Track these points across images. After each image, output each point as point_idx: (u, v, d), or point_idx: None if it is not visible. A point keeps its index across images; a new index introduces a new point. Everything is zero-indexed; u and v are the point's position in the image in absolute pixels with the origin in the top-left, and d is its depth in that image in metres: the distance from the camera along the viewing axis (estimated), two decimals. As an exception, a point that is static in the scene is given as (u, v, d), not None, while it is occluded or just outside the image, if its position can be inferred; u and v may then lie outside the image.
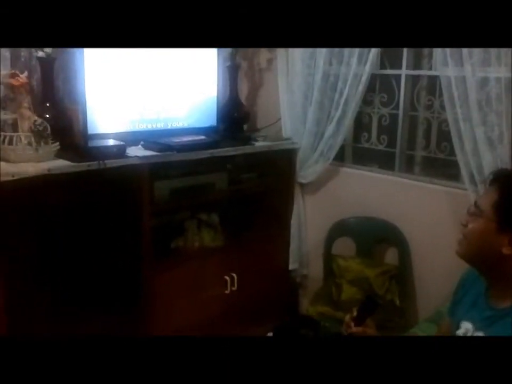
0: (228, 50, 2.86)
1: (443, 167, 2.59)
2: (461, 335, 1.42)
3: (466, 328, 1.41)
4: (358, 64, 2.59)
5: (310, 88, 2.79)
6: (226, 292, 2.66)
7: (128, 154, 2.24)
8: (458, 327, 1.44)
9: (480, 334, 1.35)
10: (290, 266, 2.97)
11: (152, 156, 2.28)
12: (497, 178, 1.37)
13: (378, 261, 2.68)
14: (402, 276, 2.57)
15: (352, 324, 1.49)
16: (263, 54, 3.07)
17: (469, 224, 1.36)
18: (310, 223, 2.99)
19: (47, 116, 2.23)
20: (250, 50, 3.08)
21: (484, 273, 1.40)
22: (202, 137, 2.53)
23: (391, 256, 2.67)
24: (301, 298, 3.10)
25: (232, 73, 2.93)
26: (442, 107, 2.44)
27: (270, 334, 2.84)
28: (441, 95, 2.39)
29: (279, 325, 2.87)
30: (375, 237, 2.68)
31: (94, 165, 2.09)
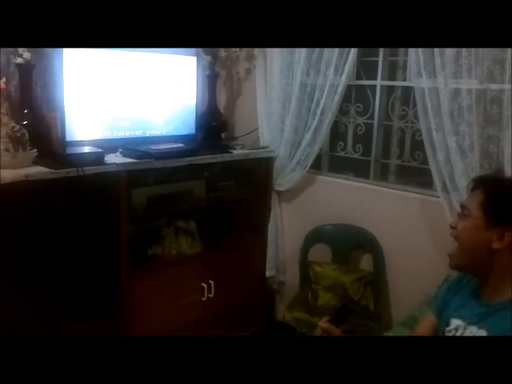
0: (207, 59, 2.90)
1: (416, 175, 2.64)
2: (452, 331, 1.46)
3: (456, 324, 1.45)
4: (334, 74, 2.64)
5: (287, 97, 2.84)
6: (203, 298, 2.66)
7: (106, 161, 2.25)
8: (448, 324, 1.48)
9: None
10: (267, 273, 3.00)
11: (130, 163, 2.29)
12: (481, 182, 1.49)
13: (354, 267, 2.72)
14: (377, 282, 2.62)
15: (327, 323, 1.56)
16: (242, 63, 3.12)
17: (459, 224, 1.45)
18: (286, 230, 3.03)
19: (25, 122, 2.23)
20: (229, 59, 3.12)
21: (475, 272, 1.46)
22: (181, 145, 2.55)
23: (366, 262, 2.72)
24: (277, 305, 3.13)
25: (211, 82, 2.97)
26: (416, 117, 2.50)
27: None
28: (415, 105, 2.46)
29: (255, 333, 2.89)
30: (350, 243, 2.73)
31: (72, 171, 2.09)
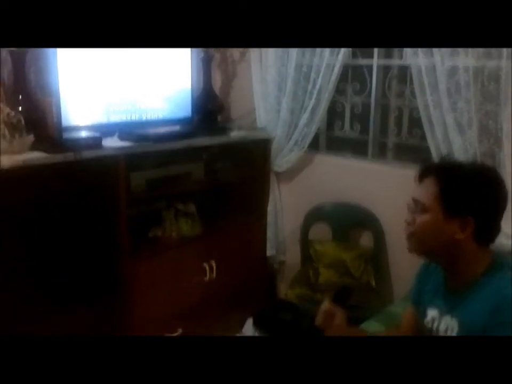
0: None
1: (414, 152, 2.65)
2: (429, 322, 1.45)
3: (432, 315, 1.45)
4: (330, 54, 2.63)
5: (283, 79, 2.83)
6: (205, 279, 2.68)
7: (104, 146, 2.24)
8: (425, 315, 1.48)
9: (448, 318, 1.38)
10: (268, 253, 3.01)
11: (128, 147, 2.29)
12: (429, 171, 1.39)
13: (354, 244, 2.75)
14: (377, 258, 2.65)
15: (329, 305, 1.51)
16: (236, 45, 3.09)
17: (416, 221, 1.37)
18: (286, 210, 3.04)
19: (20, 108, 2.21)
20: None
21: (440, 263, 1.43)
22: (178, 128, 2.54)
23: (366, 240, 2.74)
24: (278, 284, 3.15)
25: (205, 65, 2.94)
26: (413, 95, 2.50)
27: (250, 320, 2.88)
28: (411, 83, 2.45)
29: (259, 310, 2.92)
30: (350, 221, 2.74)
31: (70, 156, 2.09)
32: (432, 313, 1.45)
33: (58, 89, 2.27)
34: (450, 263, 1.39)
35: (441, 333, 1.41)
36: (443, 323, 1.40)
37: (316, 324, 1.52)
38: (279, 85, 2.84)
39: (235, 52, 3.11)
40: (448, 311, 1.39)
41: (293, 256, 2.98)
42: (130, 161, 2.30)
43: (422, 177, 1.40)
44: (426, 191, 1.36)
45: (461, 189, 1.33)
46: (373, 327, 1.96)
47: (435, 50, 2.22)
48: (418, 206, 1.37)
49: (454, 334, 1.37)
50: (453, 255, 1.37)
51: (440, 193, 1.33)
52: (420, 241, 1.39)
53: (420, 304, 1.53)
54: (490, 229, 1.38)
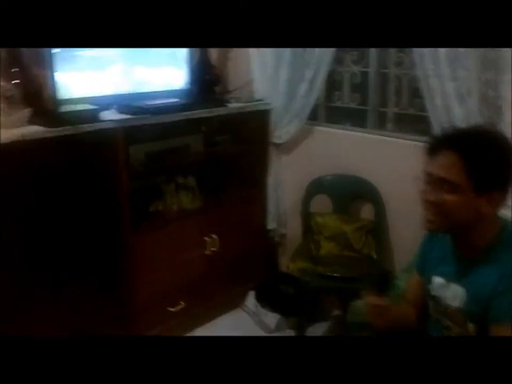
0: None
1: (414, 122, 2.63)
2: (435, 290, 1.45)
3: (438, 282, 1.45)
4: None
5: (281, 49, 2.78)
6: (206, 252, 2.68)
7: (102, 118, 2.22)
8: (430, 282, 1.48)
9: (454, 285, 1.39)
10: (269, 226, 3.01)
11: (127, 119, 2.26)
12: (448, 143, 1.32)
13: (355, 216, 2.74)
14: (378, 230, 2.65)
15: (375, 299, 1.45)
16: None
17: (446, 201, 1.30)
18: (286, 182, 3.02)
19: (16, 81, 2.17)
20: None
21: (454, 235, 1.40)
22: (176, 99, 2.51)
23: (366, 212, 2.74)
24: (280, 257, 3.16)
25: (202, 35, 2.89)
26: (412, 64, 2.47)
27: (252, 292, 2.91)
28: (411, 52, 2.42)
29: (260, 284, 2.94)
30: (350, 193, 2.73)
31: (69, 129, 2.06)
32: (438, 280, 1.45)
33: (52, 62, 2.24)
34: (465, 233, 1.37)
35: (448, 300, 1.42)
36: (450, 290, 1.41)
37: (368, 321, 1.45)
38: (277, 55, 2.80)
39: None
40: (457, 279, 1.39)
41: (293, 229, 2.98)
42: (129, 134, 2.28)
43: (437, 150, 1.33)
44: (449, 167, 1.29)
45: (488, 165, 1.28)
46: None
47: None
48: (443, 184, 1.30)
49: (460, 301, 1.38)
50: (473, 226, 1.35)
51: (469, 171, 1.27)
52: (446, 220, 1.33)
53: (424, 272, 1.53)
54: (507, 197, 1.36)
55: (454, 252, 1.43)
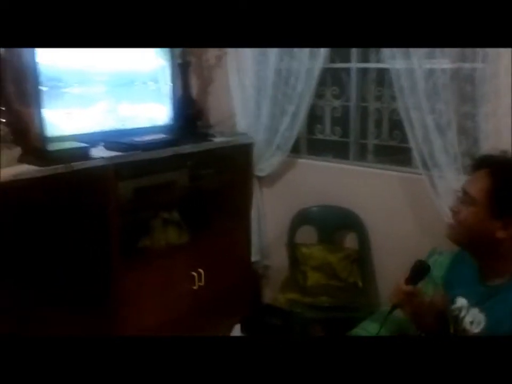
0: (178, 48, 2.86)
1: (395, 154, 2.72)
2: (456, 310, 1.49)
3: (461, 303, 1.48)
4: (309, 58, 2.66)
5: (262, 83, 2.84)
6: (194, 287, 2.67)
7: (93, 156, 2.21)
8: (454, 302, 1.51)
9: (476, 310, 1.42)
10: (253, 258, 3.03)
11: (118, 156, 2.26)
12: (485, 163, 1.41)
13: (340, 246, 2.79)
14: (363, 259, 2.70)
15: (404, 284, 1.51)
16: (212, 50, 3.09)
17: (462, 212, 1.40)
18: (269, 214, 3.05)
19: (4, 120, 2.15)
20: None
21: (475, 255, 1.46)
22: (163, 135, 2.53)
23: (351, 241, 2.79)
24: (264, 289, 3.16)
25: (183, 71, 2.94)
26: (392, 97, 2.57)
27: (237, 326, 2.89)
28: (390, 86, 2.52)
29: (245, 316, 2.93)
30: (335, 223, 2.79)
31: (60, 168, 2.05)
32: (461, 301, 1.48)
33: (40, 99, 2.24)
34: (486, 257, 1.42)
35: (466, 325, 1.44)
36: (470, 315, 1.43)
37: (392, 303, 1.53)
38: (258, 90, 2.86)
39: (211, 57, 3.11)
40: (478, 303, 1.42)
41: (278, 261, 3.00)
42: (118, 171, 2.28)
43: (475, 168, 1.43)
44: (476, 183, 1.39)
45: (509, 191, 1.34)
46: (371, 327, 1.97)
47: (412, 52, 2.28)
48: (466, 197, 1.40)
49: (478, 328, 1.40)
50: (490, 250, 1.40)
51: (491, 190, 1.35)
52: (460, 232, 1.42)
53: (449, 290, 1.56)
54: None
55: (479, 275, 1.46)
